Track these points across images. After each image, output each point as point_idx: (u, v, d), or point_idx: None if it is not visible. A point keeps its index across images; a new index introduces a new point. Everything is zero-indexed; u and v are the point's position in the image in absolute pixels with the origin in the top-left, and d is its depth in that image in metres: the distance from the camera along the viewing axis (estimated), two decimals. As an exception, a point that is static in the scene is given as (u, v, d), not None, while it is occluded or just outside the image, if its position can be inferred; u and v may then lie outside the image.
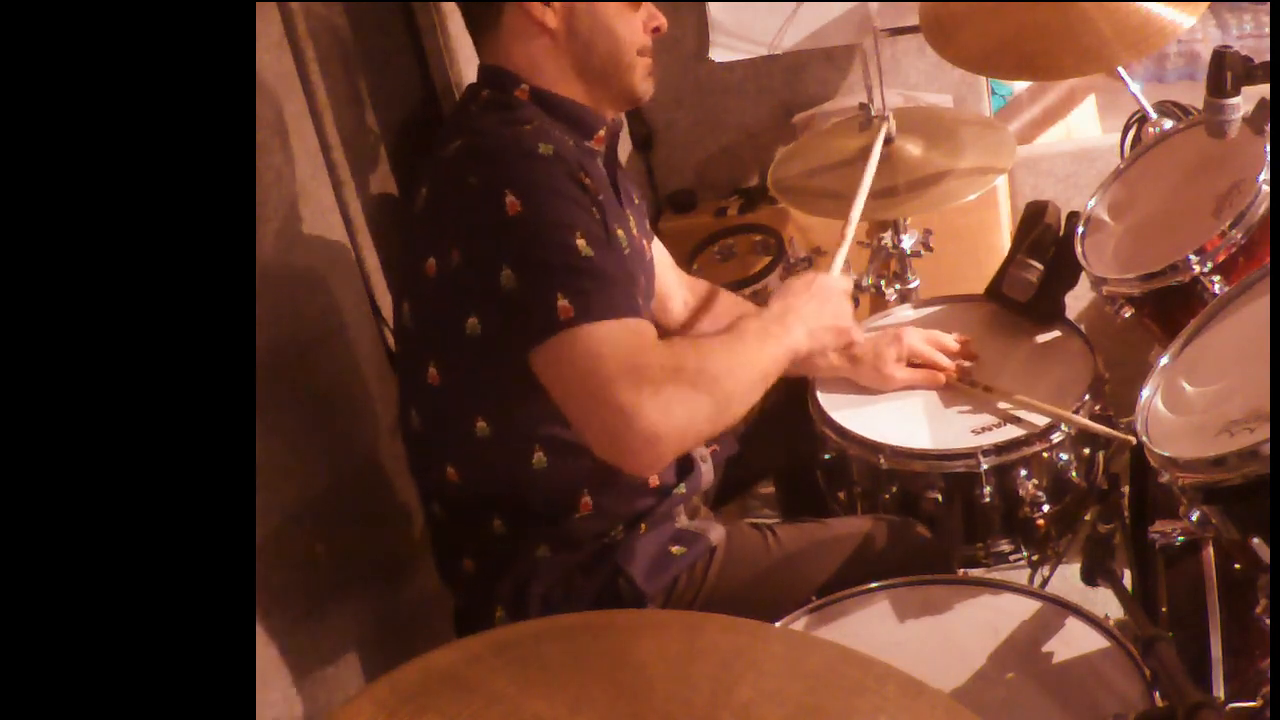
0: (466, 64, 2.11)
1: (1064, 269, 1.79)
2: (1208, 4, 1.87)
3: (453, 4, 2.06)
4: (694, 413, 1.30)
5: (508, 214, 1.30)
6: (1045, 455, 1.62)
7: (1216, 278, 1.51)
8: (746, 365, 1.38)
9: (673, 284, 1.84)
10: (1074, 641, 1.31)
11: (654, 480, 1.52)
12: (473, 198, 1.35)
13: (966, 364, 1.76)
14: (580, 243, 1.31)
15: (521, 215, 1.30)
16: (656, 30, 1.53)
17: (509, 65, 1.48)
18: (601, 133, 1.52)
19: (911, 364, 1.75)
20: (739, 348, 1.39)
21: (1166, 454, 1.20)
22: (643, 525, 1.51)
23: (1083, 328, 1.82)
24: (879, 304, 2.20)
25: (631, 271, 1.43)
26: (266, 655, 1.46)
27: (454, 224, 1.37)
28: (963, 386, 1.73)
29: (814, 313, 1.51)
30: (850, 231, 1.73)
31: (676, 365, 1.30)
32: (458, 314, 1.38)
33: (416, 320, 1.47)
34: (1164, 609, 1.49)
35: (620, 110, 1.58)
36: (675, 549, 1.52)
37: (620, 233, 1.43)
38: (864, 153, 2.09)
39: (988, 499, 1.61)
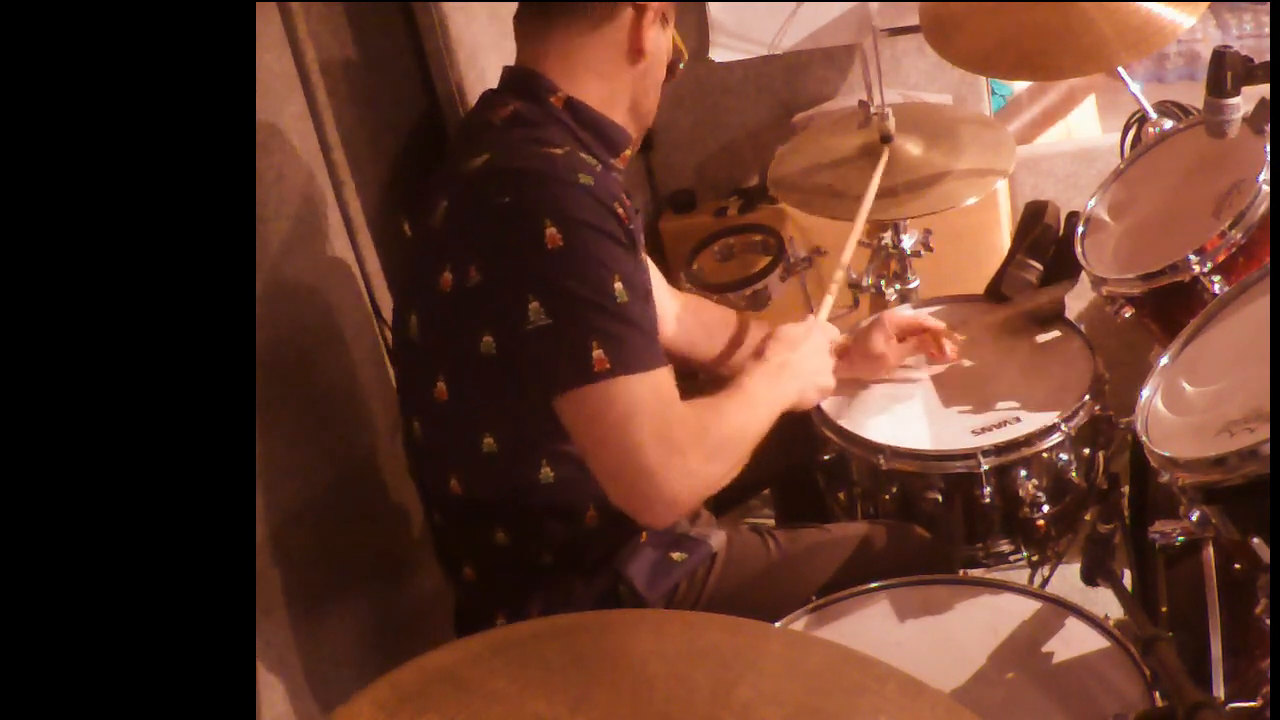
0: (467, 64, 2.11)
1: (1064, 269, 1.79)
2: (1208, 4, 1.87)
3: (453, 4, 2.06)
4: (711, 477, 1.35)
5: (546, 245, 1.28)
6: (1045, 455, 1.62)
7: (1216, 278, 1.51)
8: (755, 422, 1.42)
9: (665, 299, 1.84)
10: (1074, 641, 1.31)
11: None
12: (505, 219, 1.32)
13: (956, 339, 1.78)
14: (618, 286, 1.30)
15: (561, 250, 1.28)
16: None
17: (556, 71, 1.43)
18: (627, 153, 1.51)
19: (901, 338, 1.76)
20: (748, 407, 1.43)
21: (1166, 454, 1.20)
22: (644, 533, 1.50)
23: (1083, 328, 1.82)
24: (879, 304, 2.19)
25: (653, 307, 1.43)
26: (266, 655, 1.46)
27: (479, 242, 1.34)
28: (959, 371, 1.73)
29: (807, 370, 1.56)
30: (839, 275, 1.75)
31: (700, 431, 1.33)
32: (472, 331, 1.36)
33: (425, 334, 1.44)
34: (1164, 609, 1.49)
35: None
36: (676, 555, 1.52)
37: (644, 257, 1.42)
38: (862, 154, 2.10)
39: (988, 499, 1.61)
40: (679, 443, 1.30)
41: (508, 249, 1.32)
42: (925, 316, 1.82)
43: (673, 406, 1.32)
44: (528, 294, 1.29)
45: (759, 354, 1.53)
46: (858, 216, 1.88)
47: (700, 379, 1.82)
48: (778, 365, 1.51)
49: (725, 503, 1.78)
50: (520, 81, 1.46)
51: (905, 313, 1.79)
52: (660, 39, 1.48)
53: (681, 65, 1.56)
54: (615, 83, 1.47)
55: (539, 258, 1.29)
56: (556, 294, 1.29)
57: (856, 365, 1.76)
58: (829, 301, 1.71)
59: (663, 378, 1.33)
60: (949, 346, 1.79)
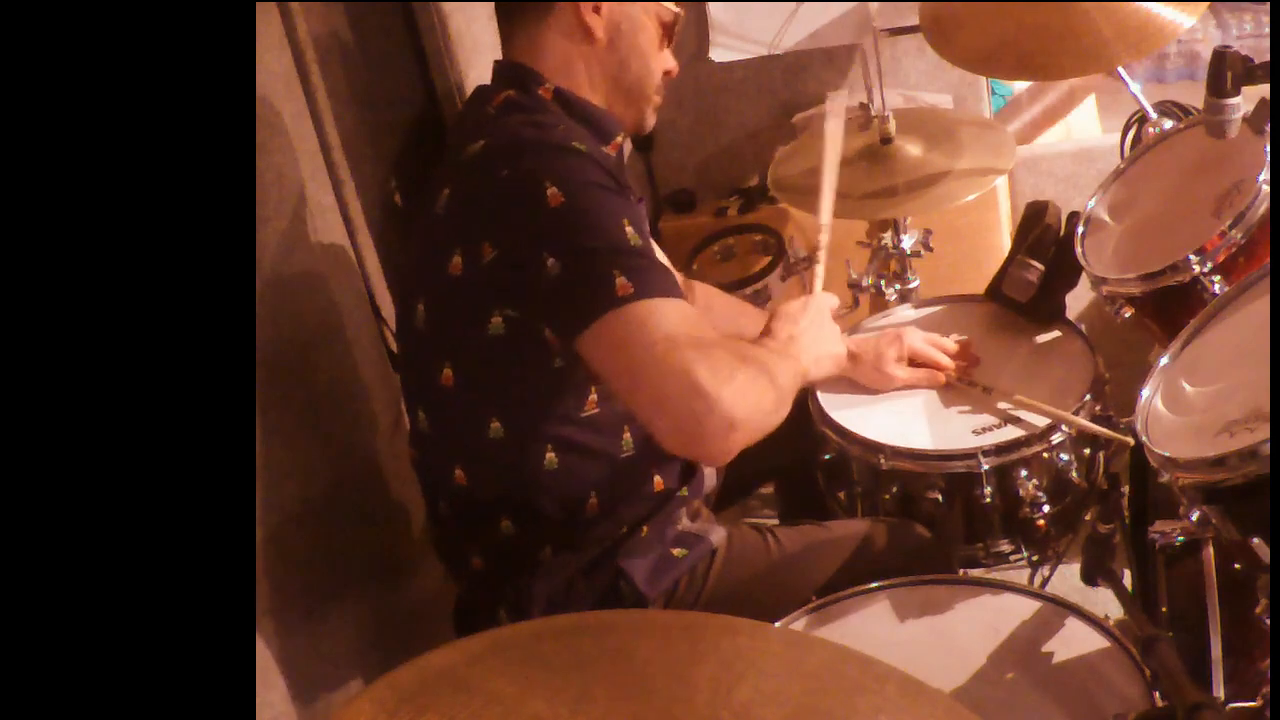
0: (466, 64, 2.11)
1: (1064, 269, 1.79)
2: (1208, 4, 1.87)
3: (453, 4, 2.06)
4: (762, 402, 1.26)
5: (549, 205, 1.29)
6: (1045, 456, 1.62)
7: (1216, 278, 1.51)
8: (782, 373, 1.35)
9: None
10: (1074, 641, 1.31)
11: (659, 483, 1.52)
12: (507, 190, 1.33)
13: (965, 365, 1.76)
14: (629, 230, 1.29)
15: (565, 205, 1.29)
16: (668, 74, 1.57)
17: (537, 64, 1.47)
18: (619, 139, 1.52)
19: (912, 363, 1.75)
20: (774, 357, 1.39)
21: (1166, 454, 1.20)
22: (645, 528, 1.51)
23: (1083, 328, 1.82)
24: (879, 304, 2.19)
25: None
26: (266, 655, 1.46)
27: (486, 219, 1.36)
28: (962, 386, 1.73)
29: (814, 340, 1.53)
30: (824, 240, 1.72)
31: (740, 354, 1.27)
32: (481, 313, 1.37)
33: (432, 321, 1.46)
34: (1164, 609, 1.49)
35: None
36: (676, 551, 1.53)
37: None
38: (862, 156, 2.10)
39: (988, 499, 1.61)
40: (722, 359, 1.22)
41: (515, 217, 1.32)
42: (941, 349, 1.76)
43: (706, 330, 1.28)
44: (542, 253, 1.28)
45: (766, 331, 1.50)
46: (826, 170, 1.80)
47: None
48: (786, 340, 1.48)
49: (726, 498, 1.79)
50: (511, 74, 1.49)
51: (919, 340, 1.76)
52: (621, 9, 1.48)
53: (679, 23, 1.55)
54: (582, 66, 1.49)
55: (546, 217, 1.29)
56: (570, 247, 1.29)
57: (863, 375, 1.75)
58: (820, 271, 1.67)
59: (689, 307, 1.30)
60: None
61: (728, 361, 1.23)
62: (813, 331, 1.53)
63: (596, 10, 1.46)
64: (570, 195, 1.29)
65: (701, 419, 1.20)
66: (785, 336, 1.49)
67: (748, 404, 1.22)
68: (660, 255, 1.77)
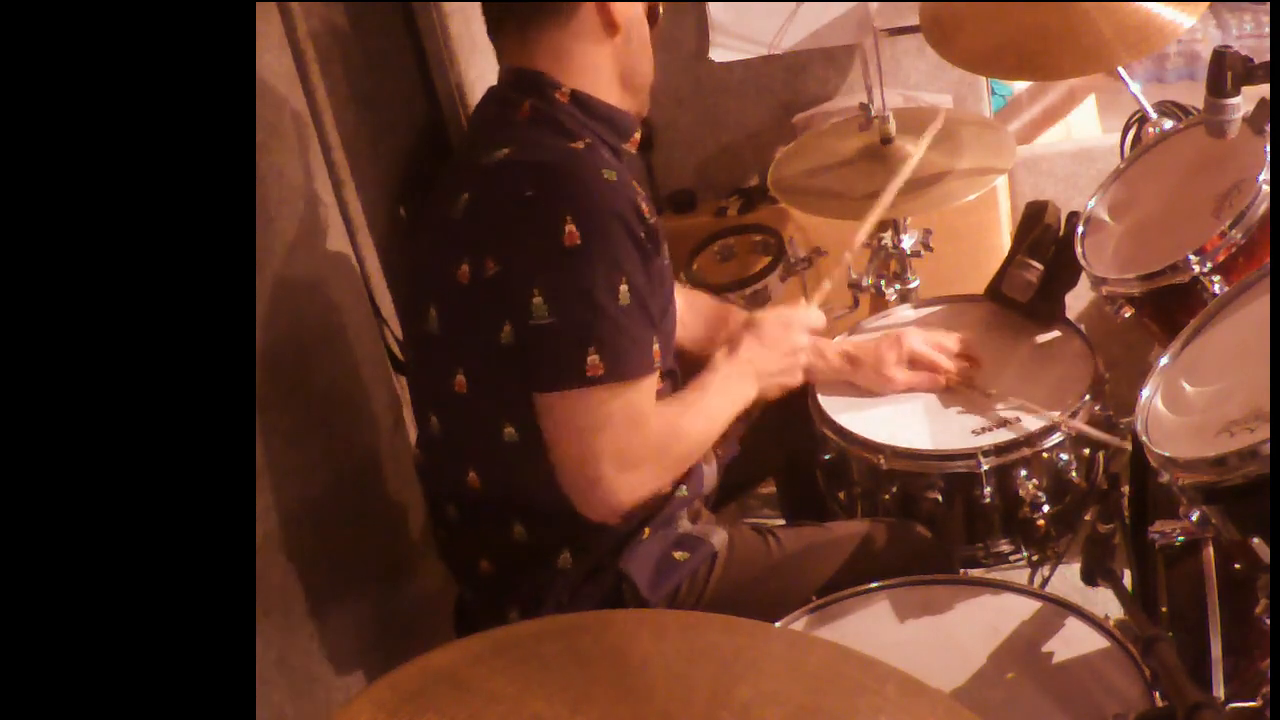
0: (466, 64, 2.11)
1: (1064, 269, 1.79)
2: (1208, 4, 1.87)
3: (453, 4, 2.07)
4: (658, 487, 1.44)
5: (563, 243, 1.30)
6: (1045, 456, 1.62)
7: (1216, 278, 1.51)
8: (712, 432, 1.50)
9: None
10: (1074, 641, 1.31)
11: None
12: (527, 213, 1.33)
13: (967, 366, 1.76)
14: (623, 289, 1.33)
15: (579, 248, 1.30)
16: None
17: (553, 69, 1.44)
18: (637, 135, 1.53)
19: (912, 365, 1.75)
20: (708, 419, 1.49)
21: (1166, 454, 1.20)
22: (646, 530, 1.51)
23: (1083, 328, 1.82)
24: (879, 304, 2.20)
25: (660, 310, 1.44)
26: (266, 655, 1.46)
27: (498, 234, 1.36)
28: (962, 389, 1.73)
29: (773, 370, 1.59)
30: (847, 258, 1.74)
31: (659, 450, 1.40)
32: (493, 322, 1.37)
33: (445, 326, 1.45)
34: (1164, 609, 1.49)
35: None
36: (678, 554, 1.52)
37: (666, 249, 1.44)
38: (862, 157, 2.10)
39: (988, 499, 1.61)
40: (635, 459, 1.36)
41: (525, 242, 1.33)
42: (942, 350, 1.76)
43: (640, 427, 1.37)
44: (535, 288, 1.31)
45: (733, 345, 1.56)
46: (870, 216, 1.83)
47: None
48: (745, 362, 1.55)
49: (725, 496, 1.79)
50: (527, 80, 1.46)
51: (919, 342, 1.76)
52: (630, 3, 1.47)
53: (661, 10, 1.54)
54: (602, 64, 1.47)
55: (554, 253, 1.30)
56: (563, 291, 1.31)
57: (863, 378, 1.75)
58: (822, 290, 1.71)
59: (643, 392, 1.37)
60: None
61: (639, 459, 1.38)
62: (778, 360, 1.59)
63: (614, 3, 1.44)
64: (586, 236, 1.31)
65: (590, 502, 1.38)
66: (745, 359, 1.55)
67: (637, 493, 1.40)
68: (664, 255, 1.78)
